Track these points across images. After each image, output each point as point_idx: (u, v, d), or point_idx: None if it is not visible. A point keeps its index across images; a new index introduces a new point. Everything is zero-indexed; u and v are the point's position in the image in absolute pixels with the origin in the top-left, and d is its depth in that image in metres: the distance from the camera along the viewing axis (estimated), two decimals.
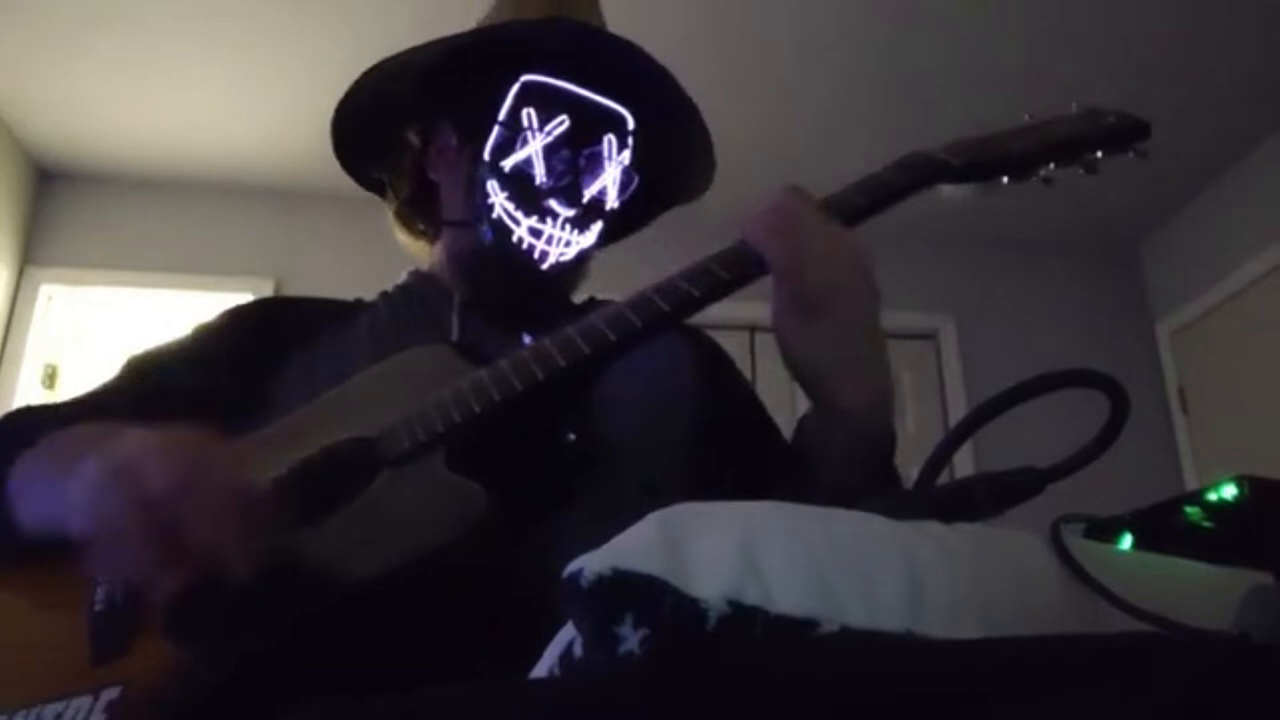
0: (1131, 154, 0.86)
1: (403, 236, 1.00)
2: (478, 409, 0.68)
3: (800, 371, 0.73)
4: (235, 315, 0.92)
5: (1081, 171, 0.85)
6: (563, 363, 0.69)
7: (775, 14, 2.94)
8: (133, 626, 0.61)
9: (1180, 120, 3.27)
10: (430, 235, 0.98)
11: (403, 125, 0.96)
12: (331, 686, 0.44)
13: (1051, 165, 0.83)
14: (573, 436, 0.78)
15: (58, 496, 0.61)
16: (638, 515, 0.42)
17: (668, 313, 0.70)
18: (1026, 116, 0.86)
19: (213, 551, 0.55)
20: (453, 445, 0.67)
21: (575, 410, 0.79)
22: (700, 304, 0.71)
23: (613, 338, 0.70)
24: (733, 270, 0.72)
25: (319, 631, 0.58)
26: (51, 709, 0.56)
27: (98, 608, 0.63)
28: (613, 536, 0.40)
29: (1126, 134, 0.85)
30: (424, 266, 0.98)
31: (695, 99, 0.96)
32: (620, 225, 1.00)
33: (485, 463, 0.64)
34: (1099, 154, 0.85)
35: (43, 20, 2.89)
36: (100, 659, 0.60)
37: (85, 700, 0.56)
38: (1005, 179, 0.83)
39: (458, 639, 0.60)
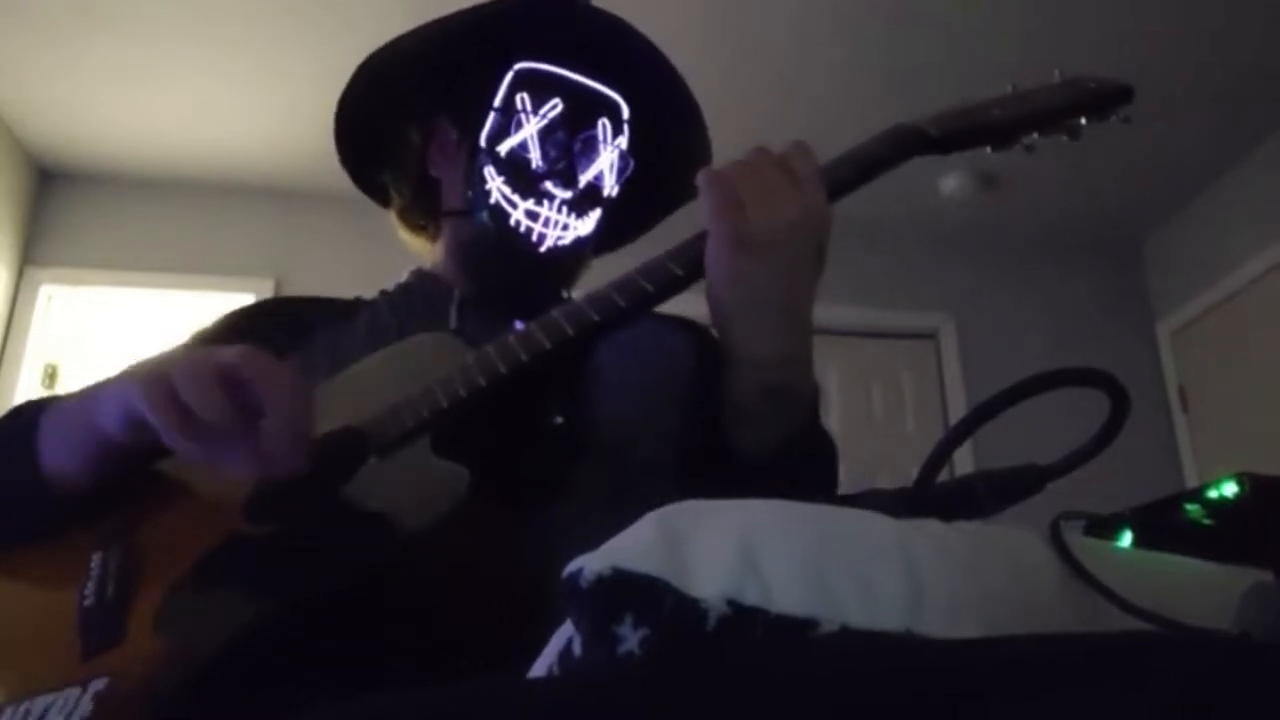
0: (1114, 119, 0.85)
1: (405, 235, 1.01)
2: (463, 394, 0.68)
3: (719, 306, 0.71)
4: (233, 321, 0.92)
5: (1065, 139, 0.84)
6: (547, 345, 0.69)
7: (771, 11, 2.94)
8: (122, 620, 0.61)
9: (1180, 119, 3.27)
10: (431, 232, 0.98)
11: (403, 126, 0.96)
12: (324, 682, 0.44)
13: (1035, 134, 0.83)
14: (560, 419, 0.79)
15: (91, 415, 0.66)
16: (634, 510, 0.42)
17: (652, 292, 0.71)
18: (1009, 87, 0.85)
19: (283, 423, 0.60)
20: (439, 431, 0.67)
21: (564, 395, 0.80)
22: (684, 282, 0.71)
23: (596, 318, 0.70)
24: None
25: (310, 625, 0.58)
26: (41, 701, 0.56)
27: (86, 602, 0.63)
28: (608, 530, 0.41)
29: (1109, 99, 0.85)
30: (426, 265, 0.99)
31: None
32: (622, 228, 1.00)
33: (472, 447, 0.65)
34: (1082, 120, 0.84)
35: (44, 21, 2.89)
36: (90, 653, 0.60)
37: (74, 691, 0.56)
38: (988, 148, 0.83)
39: (454, 636, 0.60)
